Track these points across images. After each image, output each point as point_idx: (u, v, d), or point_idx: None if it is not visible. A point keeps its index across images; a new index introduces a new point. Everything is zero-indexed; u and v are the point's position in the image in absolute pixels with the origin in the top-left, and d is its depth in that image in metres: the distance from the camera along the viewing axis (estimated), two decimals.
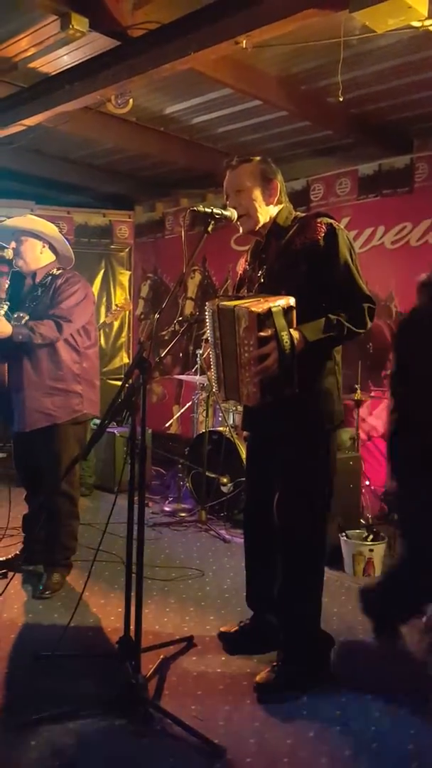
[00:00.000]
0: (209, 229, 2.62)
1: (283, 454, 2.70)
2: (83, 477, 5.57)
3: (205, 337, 5.42)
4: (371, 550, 3.89)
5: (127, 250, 7.91)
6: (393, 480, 2.78)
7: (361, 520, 4.36)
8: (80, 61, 4.11)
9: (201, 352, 5.43)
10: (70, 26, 3.47)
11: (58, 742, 2.27)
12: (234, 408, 5.14)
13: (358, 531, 4.04)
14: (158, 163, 6.52)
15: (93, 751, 2.24)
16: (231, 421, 5.14)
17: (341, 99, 3.84)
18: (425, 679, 2.76)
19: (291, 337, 2.39)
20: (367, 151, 5.57)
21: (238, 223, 2.72)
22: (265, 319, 2.37)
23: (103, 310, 7.65)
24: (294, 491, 2.66)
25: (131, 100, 4.40)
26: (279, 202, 2.73)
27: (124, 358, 7.93)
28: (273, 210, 2.72)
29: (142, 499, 2.53)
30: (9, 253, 3.64)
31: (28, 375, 3.55)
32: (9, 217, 3.66)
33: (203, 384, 5.44)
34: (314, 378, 2.59)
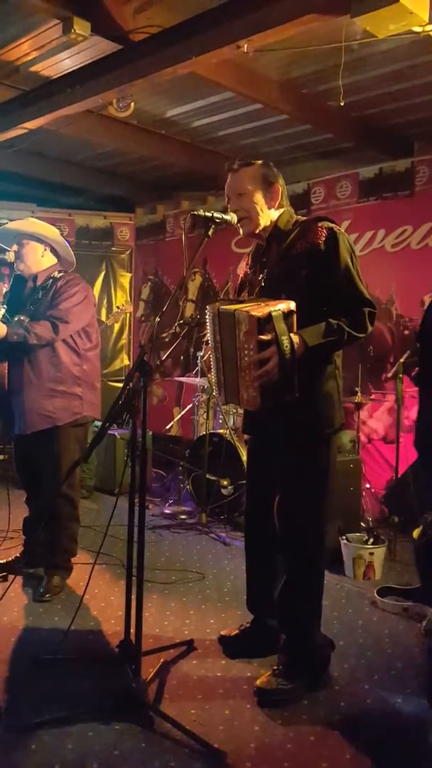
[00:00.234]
0: (210, 233, 2.62)
1: (283, 457, 2.70)
2: (83, 479, 5.57)
3: (205, 339, 5.44)
4: (371, 554, 3.89)
5: (127, 252, 7.93)
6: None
7: (362, 524, 4.37)
8: (82, 64, 4.12)
9: (201, 354, 5.44)
10: (72, 30, 3.49)
11: (58, 746, 2.27)
12: (234, 410, 5.14)
13: (358, 534, 4.04)
14: (159, 166, 6.54)
15: (93, 755, 2.23)
16: (231, 424, 5.14)
17: (342, 103, 3.85)
18: (426, 683, 2.76)
19: (291, 341, 2.39)
20: (368, 154, 5.57)
21: (239, 225, 2.73)
22: (266, 323, 2.37)
23: (103, 312, 7.66)
24: (294, 494, 2.67)
25: (133, 104, 4.42)
26: (280, 206, 2.73)
27: (124, 360, 7.93)
28: (274, 214, 2.72)
29: (142, 501, 2.53)
30: (10, 256, 3.65)
31: (28, 377, 3.55)
32: (10, 220, 3.67)
33: (204, 386, 5.44)
34: (314, 382, 2.59)
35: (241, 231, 2.76)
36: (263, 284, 2.69)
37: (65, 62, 4.22)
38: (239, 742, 2.32)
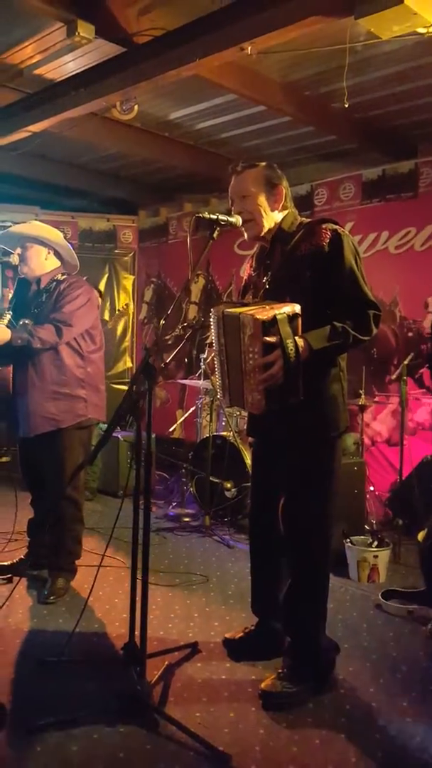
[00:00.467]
0: (214, 235, 2.62)
1: (288, 460, 2.69)
2: (87, 481, 5.57)
3: (208, 341, 5.43)
4: (376, 557, 3.88)
5: (131, 254, 7.93)
6: None
7: (366, 526, 4.36)
8: (86, 67, 4.12)
9: (204, 356, 5.43)
10: (77, 33, 3.49)
11: (63, 748, 2.27)
12: (238, 413, 5.13)
13: (362, 537, 4.03)
14: (162, 168, 6.54)
15: (98, 757, 2.23)
16: (235, 426, 5.14)
17: (347, 105, 3.84)
18: (431, 686, 2.75)
19: (296, 344, 2.39)
20: (371, 156, 5.57)
21: (243, 228, 2.73)
22: (270, 326, 2.37)
23: (107, 314, 7.66)
24: (299, 497, 2.66)
25: (136, 106, 4.42)
26: (284, 208, 2.72)
27: (127, 362, 7.93)
28: (278, 216, 2.71)
29: (147, 504, 2.53)
30: (15, 259, 3.65)
31: (32, 380, 3.55)
32: (14, 222, 3.68)
33: (207, 389, 5.44)
34: (319, 384, 2.59)
35: (245, 233, 2.75)
36: (267, 286, 2.68)
37: (69, 65, 4.23)
38: (244, 745, 2.31)
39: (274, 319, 2.36)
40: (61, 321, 3.50)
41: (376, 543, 3.94)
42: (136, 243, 7.89)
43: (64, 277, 3.70)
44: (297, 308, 2.43)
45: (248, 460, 4.78)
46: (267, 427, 2.78)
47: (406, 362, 4.44)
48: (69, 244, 3.78)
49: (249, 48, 3.35)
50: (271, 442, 2.82)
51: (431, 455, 4.74)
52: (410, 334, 5.48)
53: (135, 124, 5.29)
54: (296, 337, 2.40)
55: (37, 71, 4.35)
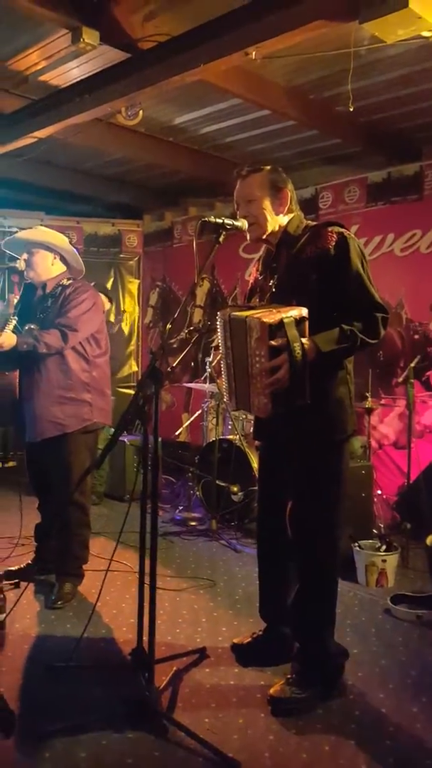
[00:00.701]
0: (220, 239, 2.62)
1: (295, 463, 2.69)
2: (94, 486, 5.57)
3: (214, 345, 5.43)
4: (384, 561, 3.86)
5: (136, 258, 7.94)
6: None
7: (374, 530, 4.34)
8: (91, 73, 4.13)
9: (210, 360, 5.43)
10: (81, 39, 3.50)
11: (71, 754, 2.27)
12: (244, 416, 5.13)
13: (370, 541, 4.01)
14: (167, 173, 6.55)
15: (106, 764, 2.23)
16: (241, 430, 5.13)
17: (352, 109, 3.84)
18: None
19: (303, 347, 2.38)
20: (376, 159, 5.57)
21: (247, 232, 2.73)
22: (277, 330, 2.36)
23: (112, 318, 7.67)
24: (307, 501, 2.65)
25: (141, 112, 4.42)
26: (290, 211, 2.72)
27: (133, 366, 7.94)
28: (283, 219, 2.71)
29: (155, 508, 2.53)
30: (21, 264, 3.66)
31: (38, 384, 3.56)
32: (20, 228, 3.70)
33: (213, 392, 5.44)
34: (326, 387, 2.58)
35: (248, 237, 2.75)
36: (274, 290, 2.68)
37: (74, 71, 4.24)
38: (253, 751, 2.30)
39: (281, 323, 2.36)
40: (67, 326, 3.50)
41: (384, 547, 3.92)
42: (141, 247, 7.91)
43: (70, 281, 3.70)
44: (304, 311, 2.42)
45: (255, 464, 4.77)
46: (274, 431, 2.77)
47: (412, 365, 4.42)
48: (74, 249, 3.79)
49: (254, 53, 3.35)
50: (278, 446, 2.81)
51: None
52: (416, 336, 5.46)
53: (139, 130, 5.30)
54: (304, 339, 2.40)
55: (42, 78, 4.36)
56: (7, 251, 3.79)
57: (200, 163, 5.98)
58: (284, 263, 2.68)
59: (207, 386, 5.46)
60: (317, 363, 2.44)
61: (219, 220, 2.60)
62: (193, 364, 7.26)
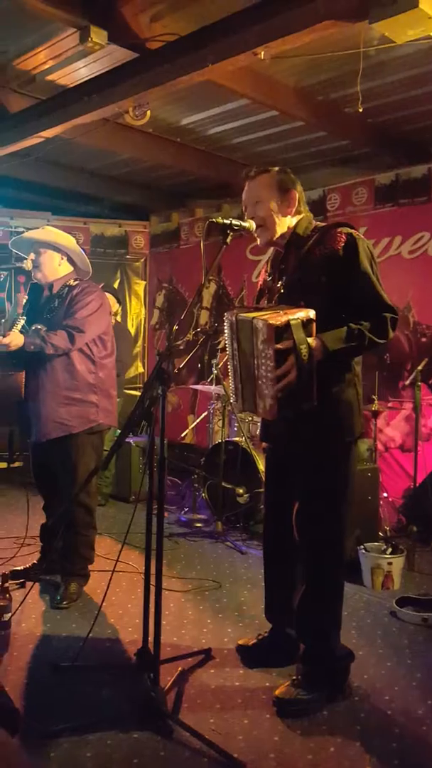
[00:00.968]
0: (227, 240, 2.61)
1: (302, 465, 2.68)
2: (100, 487, 5.57)
3: (220, 347, 5.42)
4: (390, 563, 3.84)
5: (142, 260, 7.95)
6: None
7: (380, 533, 4.33)
8: (98, 73, 4.14)
9: (216, 361, 5.42)
10: (89, 39, 3.51)
11: (77, 754, 2.26)
12: (250, 418, 5.12)
13: (376, 544, 4.00)
14: (174, 174, 6.56)
15: (111, 764, 2.22)
16: (247, 432, 5.12)
17: (361, 110, 3.83)
18: None
19: (310, 349, 2.37)
20: (384, 160, 5.56)
21: (256, 234, 2.72)
22: (284, 331, 2.35)
23: (118, 319, 7.67)
24: (314, 503, 2.64)
25: (149, 112, 4.42)
26: (298, 212, 2.71)
27: (139, 368, 7.95)
28: (292, 220, 2.70)
29: (161, 510, 2.52)
30: (28, 264, 3.66)
31: (44, 385, 3.56)
32: (26, 228, 3.70)
33: (219, 394, 5.43)
34: (334, 389, 2.57)
35: (257, 239, 2.75)
36: (282, 291, 2.67)
37: (81, 71, 4.25)
38: (259, 753, 2.29)
39: (287, 325, 2.35)
40: (74, 327, 3.50)
41: (390, 550, 3.91)
42: (147, 248, 7.92)
43: (76, 282, 3.70)
44: (311, 313, 2.41)
45: (260, 466, 4.76)
46: (281, 433, 2.76)
47: (419, 368, 4.41)
48: (82, 250, 3.78)
49: (262, 53, 3.34)
50: (285, 448, 2.80)
51: None
52: (424, 339, 5.45)
53: (147, 130, 5.30)
54: (311, 339, 2.39)
55: (49, 77, 4.37)
56: (15, 251, 3.80)
57: (208, 164, 5.99)
58: (293, 264, 2.67)
59: (213, 388, 5.45)
60: (324, 362, 2.43)
61: (226, 221, 2.59)
62: (199, 365, 7.25)
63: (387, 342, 2.54)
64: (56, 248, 3.67)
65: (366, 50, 3.52)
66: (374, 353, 2.66)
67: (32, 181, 6.59)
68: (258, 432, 3.80)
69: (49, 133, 4.66)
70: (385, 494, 4.80)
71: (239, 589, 3.83)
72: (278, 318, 2.36)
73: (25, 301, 3.70)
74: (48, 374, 3.55)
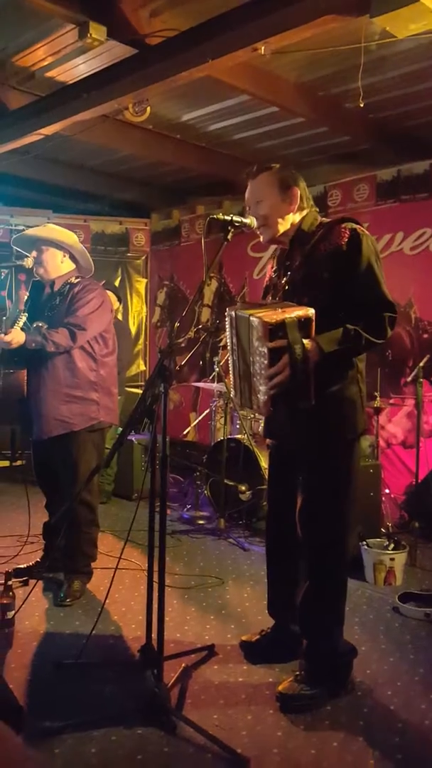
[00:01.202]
0: (228, 237, 2.60)
1: (305, 462, 2.67)
2: (102, 484, 5.58)
3: (222, 344, 5.43)
4: (392, 559, 3.84)
5: (143, 257, 7.95)
6: None
7: (382, 529, 4.33)
8: (97, 69, 4.12)
9: (218, 359, 5.42)
10: (88, 35, 3.49)
11: (81, 751, 2.26)
12: (252, 416, 5.12)
13: (378, 540, 4.00)
14: (174, 171, 6.55)
15: (116, 760, 2.22)
16: (249, 429, 5.12)
17: (362, 105, 3.82)
18: None
19: (304, 349, 2.35)
20: (386, 156, 5.55)
21: (259, 232, 2.72)
22: (278, 330, 2.34)
23: (120, 317, 7.66)
24: (317, 500, 2.64)
25: (148, 108, 4.41)
26: (301, 209, 2.69)
27: (140, 366, 7.95)
28: (295, 217, 2.69)
29: (163, 507, 2.52)
30: (29, 262, 3.65)
31: (45, 383, 3.56)
32: (27, 226, 3.69)
33: (220, 391, 5.42)
34: (336, 387, 2.56)
35: (261, 238, 2.75)
36: (287, 287, 2.67)
37: (81, 67, 4.23)
38: (262, 748, 2.30)
39: (282, 323, 2.34)
40: (75, 325, 3.50)
41: (392, 546, 3.91)
42: (148, 246, 7.91)
43: (78, 280, 3.69)
44: (310, 312, 2.39)
45: (263, 463, 4.76)
46: (285, 430, 2.76)
47: (421, 364, 4.40)
48: (84, 248, 3.78)
49: (262, 48, 3.33)
50: (288, 445, 2.80)
51: None
52: (426, 335, 5.44)
53: (147, 127, 5.29)
54: (306, 340, 2.37)
55: (48, 74, 4.36)
56: (17, 248, 3.79)
57: (208, 161, 5.97)
58: (298, 261, 2.66)
59: (215, 385, 5.45)
60: (322, 363, 2.42)
61: (227, 218, 2.59)
62: (201, 363, 7.25)
63: (384, 342, 2.52)
64: (58, 246, 3.66)
65: (367, 45, 3.51)
66: (374, 351, 2.63)
67: (32, 179, 6.58)
68: (261, 429, 3.80)
69: (48, 130, 4.65)
70: (387, 490, 4.80)
71: (242, 586, 3.83)
72: (274, 316, 2.35)
73: (26, 298, 3.69)
74: (49, 372, 3.55)
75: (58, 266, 3.68)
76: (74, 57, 4.11)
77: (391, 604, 3.56)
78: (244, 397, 2.63)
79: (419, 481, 4.54)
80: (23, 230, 3.77)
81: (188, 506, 5.48)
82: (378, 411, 5.02)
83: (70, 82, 4.39)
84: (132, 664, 2.84)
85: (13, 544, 4.31)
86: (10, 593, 3.17)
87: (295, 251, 2.69)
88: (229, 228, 2.60)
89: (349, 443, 2.64)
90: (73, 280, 3.69)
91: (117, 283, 7.73)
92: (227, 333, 2.66)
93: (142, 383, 7.54)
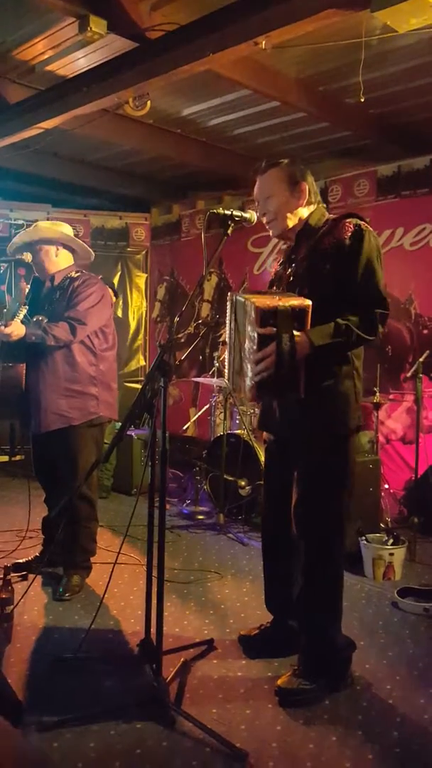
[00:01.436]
0: (228, 231, 2.61)
1: (299, 457, 2.67)
2: (101, 479, 5.58)
3: (222, 339, 5.42)
4: (391, 554, 3.85)
5: (143, 252, 7.93)
6: None
7: (381, 524, 4.33)
8: (98, 63, 4.11)
9: (218, 354, 5.42)
10: (89, 28, 3.48)
11: (80, 745, 2.27)
12: (252, 410, 5.12)
13: (377, 535, 4.00)
14: (175, 166, 6.53)
15: (115, 754, 2.22)
16: (248, 424, 5.12)
17: (363, 100, 3.81)
18: None
19: (292, 340, 2.35)
20: (386, 151, 5.53)
21: (268, 227, 2.75)
22: (270, 317, 2.34)
23: (120, 312, 7.66)
24: (311, 495, 2.63)
25: (149, 102, 4.40)
26: (309, 204, 2.71)
27: (140, 361, 7.94)
28: (304, 212, 2.70)
29: (162, 502, 2.52)
30: (28, 257, 3.65)
31: (44, 377, 3.55)
32: (26, 221, 3.69)
33: (220, 387, 5.42)
34: (329, 381, 2.56)
35: (270, 232, 2.77)
36: (291, 279, 2.68)
37: (81, 61, 4.21)
38: (261, 742, 2.30)
39: (274, 310, 2.34)
40: (75, 319, 3.49)
41: (391, 541, 3.91)
42: (148, 241, 7.89)
43: (78, 274, 3.69)
44: (306, 303, 2.39)
45: (262, 458, 4.75)
46: (278, 423, 2.76)
47: (421, 360, 4.40)
48: (74, 231, 3.75)
49: (263, 42, 3.31)
50: (282, 439, 2.80)
51: None
52: (425, 331, 5.43)
53: (147, 121, 5.28)
54: (297, 333, 2.37)
55: (48, 67, 4.34)
56: (14, 256, 3.77)
57: (209, 156, 5.96)
58: (303, 254, 2.67)
59: (215, 381, 5.45)
60: (312, 357, 2.41)
61: (227, 212, 2.60)
62: (200, 358, 7.25)
63: (376, 338, 2.52)
64: (48, 242, 3.66)
65: (368, 40, 3.49)
66: (370, 346, 2.63)
67: (32, 173, 6.56)
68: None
69: (48, 124, 4.63)
70: (386, 486, 4.80)
71: (241, 581, 3.84)
72: (269, 302, 2.36)
73: (27, 290, 3.69)
74: (48, 366, 3.55)
75: (55, 261, 3.67)
76: (74, 51, 4.09)
77: (390, 599, 3.56)
78: (235, 380, 2.65)
79: (418, 476, 4.54)
80: (23, 225, 3.76)
81: (188, 501, 5.49)
82: (377, 407, 5.02)
83: (70, 75, 4.37)
84: (131, 659, 2.84)
85: (12, 538, 4.31)
86: (9, 588, 3.16)
87: (301, 245, 2.70)
88: (229, 222, 2.61)
89: (342, 439, 2.63)
90: (74, 274, 3.69)
91: (117, 278, 7.72)
92: (227, 316, 2.67)
93: (142, 378, 7.54)
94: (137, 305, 7.93)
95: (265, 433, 3.00)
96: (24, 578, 3.68)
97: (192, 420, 7.03)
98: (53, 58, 4.22)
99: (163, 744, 2.28)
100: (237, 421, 5.37)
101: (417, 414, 4.41)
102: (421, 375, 4.36)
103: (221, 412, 5.56)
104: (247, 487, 4.96)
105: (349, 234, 2.52)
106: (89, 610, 3.29)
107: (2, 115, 4.66)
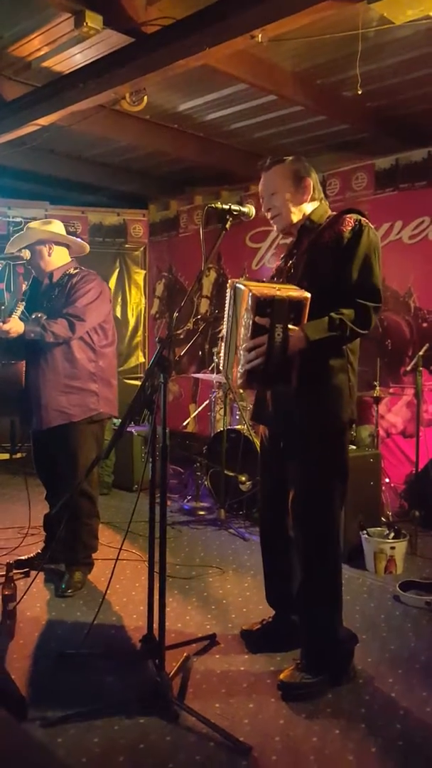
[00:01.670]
0: (227, 226, 2.62)
1: (294, 452, 2.67)
2: (102, 476, 5.58)
3: (220, 335, 5.40)
4: (393, 548, 3.85)
5: (141, 249, 7.91)
6: None
7: (382, 518, 4.34)
8: (94, 59, 4.08)
9: (217, 350, 5.41)
10: (84, 24, 3.45)
11: (84, 740, 2.27)
12: (252, 406, 5.11)
13: (379, 529, 4.01)
14: (172, 161, 6.50)
15: (119, 749, 2.23)
16: (248, 420, 5.12)
17: (360, 92, 3.80)
18: None
19: (285, 331, 2.35)
20: (384, 144, 5.51)
21: (272, 222, 2.76)
22: (266, 306, 2.34)
23: (119, 309, 7.65)
24: (305, 491, 2.63)
25: (145, 98, 4.38)
26: (313, 199, 2.73)
27: (139, 357, 7.93)
28: (308, 207, 2.72)
29: (164, 498, 2.52)
30: (26, 254, 3.64)
31: (44, 373, 3.55)
32: (24, 218, 3.68)
33: (220, 382, 5.42)
34: (323, 375, 2.56)
35: (274, 228, 2.79)
36: (291, 271, 2.69)
37: (77, 57, 4.19)
38: (264, 736, 2.31)
39: (271, 300, 2.34)
40: (74, 315, 3.49)
41: (392, 534, 3.91)
42: (146, 237, 7.88)
43: (76, 271, 3.69)
44: (306, 295, 2.39)
45: None
46: (269, 415, 2.77)
47: (421, 353, 4.39)
48: (63, 230, 3.74)
49: (259, 36, 3.30)
50: (276, 434, 2.80)
51: None
52: (425, 324, 5.43)
53: (144, 117, 5.26)
54: (292, 326, 2.37)
55: (44, 63, 4.32)
56: (10, 262, 3.76)
57: (206, 151, 5.93)
58: (304, 248, 2.68)
59: (214, 376, 5.45)
60: (308, 350, 2.41)
61: (225, 206, 2.62)
62: (200, 354, 7.24)
63: (369, 331, 2.52)
64: (39, 242, 3.65)
65: (365, 32, 3.48)
66: (375, 339, 2.63)
67: (29, 170, 6.53)
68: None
69: (44, 120, 4.61)
70: (387, 480, 4.81)
71: (243, 576, 3.84)
72: (266, 291, 2.36)
73: (25, 287, 3.69)
74: (48, 363, 3.55)
75: (49, 259, 3.67)
76: (70, 46, 4.06)
77: (391, 592, 3.57)
78: (227, 367, 2.65)
79: (419, 470, 4.54)
80: (21, 222, 3.76)
81: (188, 497, 5.49)
82: (377, 400, 5.02)
83: (67, 71, 4.35)
84: (134, 654, 2.85)
85: (14, 535, 4.32)
86: (12, 584, 3.17)
87: (302, 239, 2.72)
88: (228, 217, 2.63)
89: (336, 433, 2.63)
90: (72, 270, 3.69)
91: (115, 275, 7.71)
92: (226, 303, 2.67)
93: (141, 375, 7.53)
94: (136, 302, 7.92)
95: (262, 427, 3.00)
96: (26, 575, 3.69)
97: (192, 416, 7.03)
98: (49, 54, 4.19)
99: (167, 739, 2.29)
100: (237, 417, 5.37)
101: (417, 407, 4.41)
102: (420, 368, 4.36)
103: (221, 408, 5.56)
104: (248, 483, 4.97)
105: (349, 228, 2.54)
106: (91, 607, 3.29)
107: None
